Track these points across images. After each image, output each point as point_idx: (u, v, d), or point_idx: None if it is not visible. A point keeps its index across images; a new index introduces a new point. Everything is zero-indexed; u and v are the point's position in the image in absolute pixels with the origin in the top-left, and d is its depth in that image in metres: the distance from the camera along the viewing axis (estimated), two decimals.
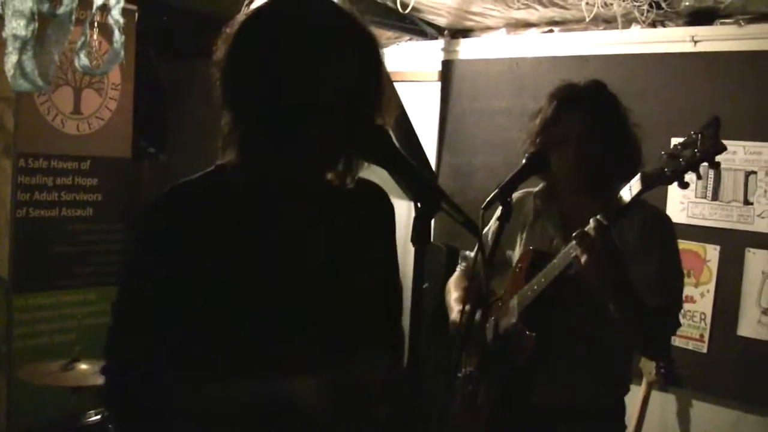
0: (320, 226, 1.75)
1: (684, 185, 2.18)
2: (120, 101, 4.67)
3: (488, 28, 4.94)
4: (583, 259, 2.31)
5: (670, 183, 2.20)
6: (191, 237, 1.63)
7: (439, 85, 5.13)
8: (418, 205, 1.52)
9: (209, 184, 1.69)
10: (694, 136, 2.15)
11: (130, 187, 4.82)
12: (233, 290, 1.64)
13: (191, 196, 1.69)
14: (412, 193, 1.53)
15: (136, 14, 4.48)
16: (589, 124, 2.54)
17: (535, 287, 2.55)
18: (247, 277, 1.65)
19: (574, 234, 2.33)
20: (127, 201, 4.74)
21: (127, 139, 4.74)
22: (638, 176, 2.26)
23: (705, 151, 2.11)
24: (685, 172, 2.16)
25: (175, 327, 1.63)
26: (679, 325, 2.62)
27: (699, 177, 2.19)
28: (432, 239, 1.54)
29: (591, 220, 2.31)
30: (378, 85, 1.66)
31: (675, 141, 3.88)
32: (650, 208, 2.60)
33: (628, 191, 2.28)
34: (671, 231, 2.61)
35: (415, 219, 1.51)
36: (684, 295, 3.90)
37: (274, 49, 1.58)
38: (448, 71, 5.12)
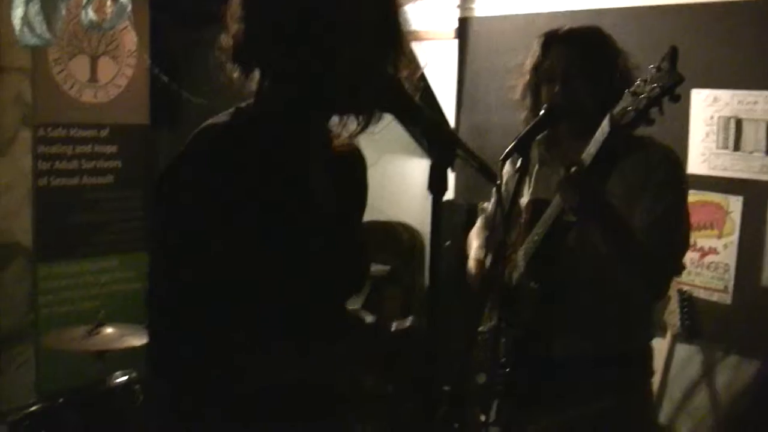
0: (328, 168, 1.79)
1: (650, 122, 2.19)
2: (136, 68, 4.67)
3: None
4: (567, 201, 2.33)
5: (637, 120, 2.19)
6: (234, 177, 1.58)
7: (456, 43, 5.09)
8: (434, 152, 1.51)
9: (240, 125, 1.67)
10: (653, 70, 2.14)
11: (150, 153, 4.84)
12: (281, 229, 1.64)
13: (229, 136, 1.65)
14: (427, 141, 1.52)
15: None
16: (574, 58, 2.52)
17: (536, 238, 2.55)
18: (292, 215, 1.66)
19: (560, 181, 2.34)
20: (146, 167, 4.77)
21: (144, 105, 4.76)
22: (606, 118, 2.24)
23: (664, 84, 2.10)
24: (648, 108, 2.14)
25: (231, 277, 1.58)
26: (680, 267, 2.59)
27: (661, 112, 2.16)
28: (452, 196, 1.53)
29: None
30: (395, 23, 1.69)
31: (695, 92, 3.89)
32: (658, 147, 2.57)
33: (600, 133, 2.27)
34: (677, 171, 2.57)
35: (432, 167, 1.50)
36: (707, 247, 3.88)
37: None
38: (464, 29, 5.07)
